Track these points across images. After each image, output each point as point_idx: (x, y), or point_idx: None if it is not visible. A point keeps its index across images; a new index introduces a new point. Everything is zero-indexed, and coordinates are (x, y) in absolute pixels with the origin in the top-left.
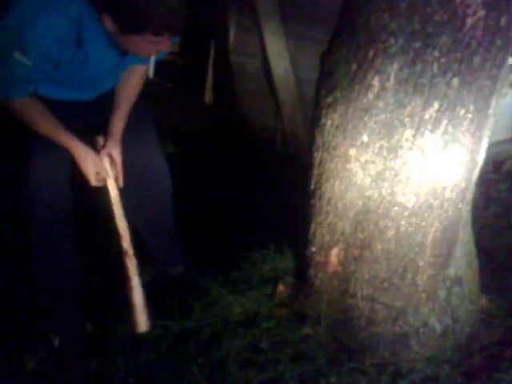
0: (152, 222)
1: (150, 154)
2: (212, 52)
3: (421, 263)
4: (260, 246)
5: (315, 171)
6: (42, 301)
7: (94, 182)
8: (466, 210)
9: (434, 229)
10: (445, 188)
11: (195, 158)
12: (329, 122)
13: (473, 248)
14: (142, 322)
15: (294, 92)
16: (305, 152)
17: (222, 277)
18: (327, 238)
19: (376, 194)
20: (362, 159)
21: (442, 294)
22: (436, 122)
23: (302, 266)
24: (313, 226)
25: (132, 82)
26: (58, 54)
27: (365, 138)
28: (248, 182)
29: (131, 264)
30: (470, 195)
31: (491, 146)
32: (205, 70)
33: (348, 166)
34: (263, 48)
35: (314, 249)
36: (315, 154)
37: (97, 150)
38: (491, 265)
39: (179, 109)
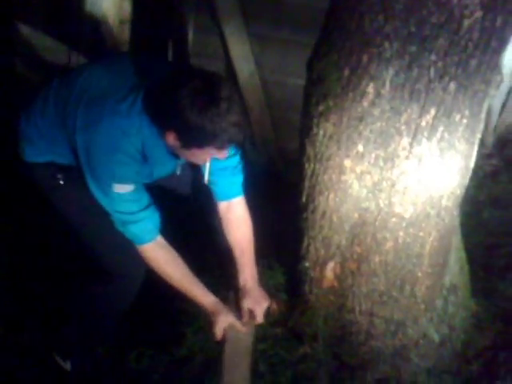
0: None
1: None
2: (170, 55)
3: (419, 274)
4: None
5: (307, 183)
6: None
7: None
8: (457, 215)
9: (431, 238)
10: (441, 196)
11: None
12: (321, 132)
13: (463, 254)
14: None
15: (260, 96)
16: (276, 157)
17: None
18: (322, 252)
19: (373, 206)
20: (358, 170)
21: (439, 303)
22: (432, 129)
23: (295, 282)
24: (306, 240)
25: (248, 232)
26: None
27: (360, 148)
28: None
29: None
30: (461, 201)
31: None
32: None
33: (343, 177)
34: (226, 50)
35: (307, 264)
36: (306, 166)
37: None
38: (472, 266)
39: None
